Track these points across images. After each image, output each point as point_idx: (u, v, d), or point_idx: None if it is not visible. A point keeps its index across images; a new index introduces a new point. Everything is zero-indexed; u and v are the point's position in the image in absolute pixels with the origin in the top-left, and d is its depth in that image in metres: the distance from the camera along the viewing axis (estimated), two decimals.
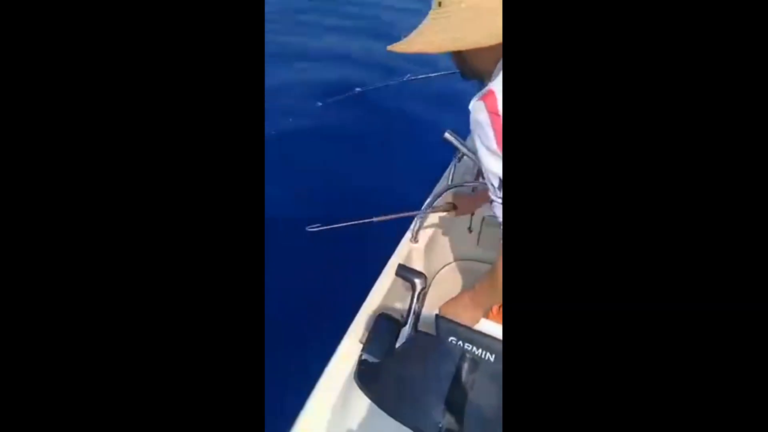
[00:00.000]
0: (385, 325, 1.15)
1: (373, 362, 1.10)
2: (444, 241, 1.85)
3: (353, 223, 1.40)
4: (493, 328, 1.12)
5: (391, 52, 0.87)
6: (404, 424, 1.00)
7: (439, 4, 0.85)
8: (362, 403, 1.12)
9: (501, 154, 0.79)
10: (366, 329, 1.26)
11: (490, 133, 0.80)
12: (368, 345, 1.13)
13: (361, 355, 1.12)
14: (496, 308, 1.28)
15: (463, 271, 1.87)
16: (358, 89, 2.00)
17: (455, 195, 1.54)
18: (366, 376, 1.09)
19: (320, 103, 2.80)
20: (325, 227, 1.39)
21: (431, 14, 0.88)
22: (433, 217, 1.72)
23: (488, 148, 0.82)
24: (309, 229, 1.40)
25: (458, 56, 0.89)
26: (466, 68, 0.93)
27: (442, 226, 1.79)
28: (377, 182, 3.23)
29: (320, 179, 3.33)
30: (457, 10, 0.82)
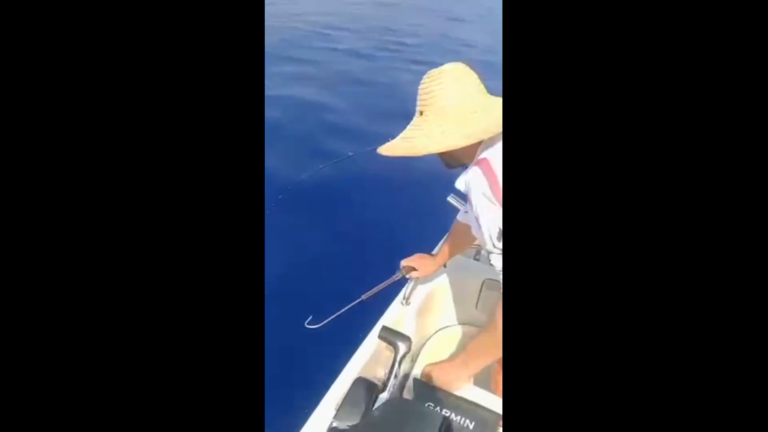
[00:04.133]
0: (361, 390, 1.08)
1: (343, 429, 0.98)
2: (439, 305, 1.73)
3: (346, 309, 1.39)
4: (475, 394, 1.05)
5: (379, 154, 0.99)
6: None
7: (421, 113, 0.97)
8: None
9: (500, 202, 0.87)
10: (342, 396, 1.15)
11: (488, 186, 0.89)
12: (340, 411, 1.03)
13: (331, 423, 1.00)
14: (496, 373, 1.19)
15: (461, 336, 1.75)
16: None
17: (417, 258, 1.53)
18: None
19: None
20: (321, 324, 1.39)
21: (415, 121, 1.00)
22: (428, 279, 1.64)
23: (491, 201, 0.89)
24: (308, 326, 1.40)
25: (442, 153, 0.99)
26: (451, 161, 1.04)
27: (439, 288, 1.68)
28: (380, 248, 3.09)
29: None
30: (436, 118, 0.94)
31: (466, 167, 0.96)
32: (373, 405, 1.03)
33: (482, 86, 1.00)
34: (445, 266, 1.62)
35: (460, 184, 0.97)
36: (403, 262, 1.53)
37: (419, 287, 1.62)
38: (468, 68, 0.99)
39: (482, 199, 0.90)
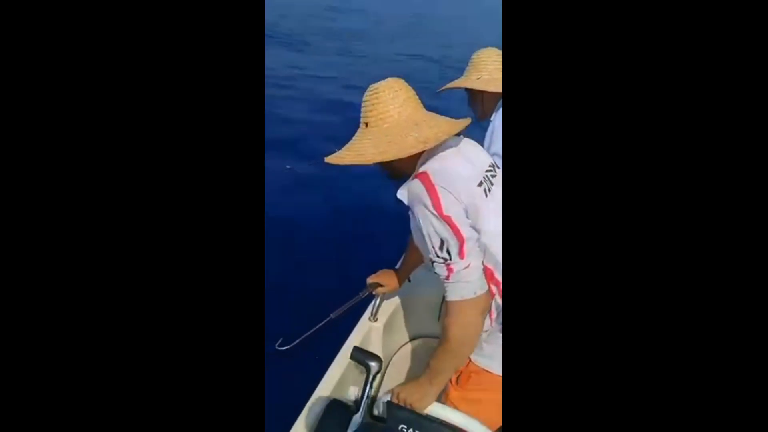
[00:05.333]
0: (335, 412, 1.07)
1: None
2: (405, 318, 1.72)
3: (315, 329, 1.38)
4: (445, 413, 1.06)
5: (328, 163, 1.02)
6: None
7: (366, 124, 1.03)
8: None
9: (442, 215, 0.93)
10: (316, 419, 1.15)
11: (428, 197, 0.94)
12: None
13: None
14: (453, 387, 1.18)
15: (425, 349, 1.75)
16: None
17: (382, 273, 1.54)
18: None
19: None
20: (292, 345, 1.38)
21: (360, 132, 1.04)
22: (393, 294, 1.63)
23: (432, 213, 0.94)
24: (278, 348, 1.38)
25: (385, 164, 1.02)
26: (393, 172, 1.07)
27: (404, 302, 1.68)
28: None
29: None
30: (380, 130, 1.01)
31: (407, 178, 1.02)
32: (347, 428, 1.02)
33: (419, 100, 1.06)
34: (409, 280, 1.62)
35: (401, 194, 1.01)
36: (369, 279, 1.54)
37: (385, 303, 1.62)
38: (405, 83, 1.06)
39: (424, 210, 0.95)
